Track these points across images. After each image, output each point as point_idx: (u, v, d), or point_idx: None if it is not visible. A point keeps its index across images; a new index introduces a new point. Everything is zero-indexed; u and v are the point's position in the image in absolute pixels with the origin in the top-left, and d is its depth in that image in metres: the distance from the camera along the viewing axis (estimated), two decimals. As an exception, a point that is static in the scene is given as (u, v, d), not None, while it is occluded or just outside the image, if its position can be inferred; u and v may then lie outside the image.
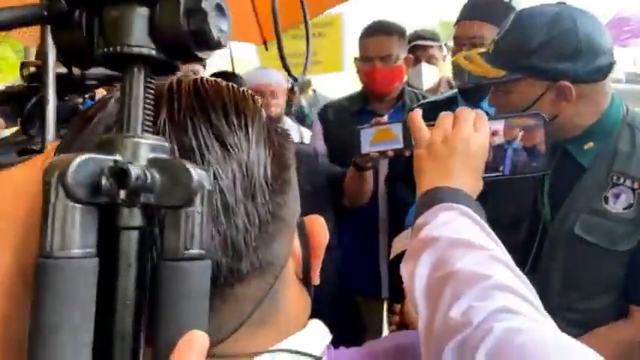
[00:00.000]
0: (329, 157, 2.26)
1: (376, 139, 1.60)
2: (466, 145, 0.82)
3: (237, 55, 3.55)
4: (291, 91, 3.74)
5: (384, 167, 2.24)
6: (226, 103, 0.42)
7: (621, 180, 1.25)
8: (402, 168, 1.73)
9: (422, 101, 2.23)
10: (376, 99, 2.30)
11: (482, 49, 1.38)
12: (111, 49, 0.33)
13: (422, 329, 0.56)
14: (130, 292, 0.32)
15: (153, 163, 0.33)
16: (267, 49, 3.20)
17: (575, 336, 1.44)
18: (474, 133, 0.83)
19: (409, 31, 2.59)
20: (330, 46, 3.91)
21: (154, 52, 0.33)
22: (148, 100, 0.34)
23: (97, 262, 0.31)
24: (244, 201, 0.40)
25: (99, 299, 0.32)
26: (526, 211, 1.40)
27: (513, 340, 0.46)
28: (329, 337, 0.51)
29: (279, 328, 0.47)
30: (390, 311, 2.24)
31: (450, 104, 2.01)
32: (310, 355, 0.46)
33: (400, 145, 1.58)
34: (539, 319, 0.52)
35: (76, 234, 0.30)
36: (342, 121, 2.31)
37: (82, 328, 0.30)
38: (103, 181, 0.30)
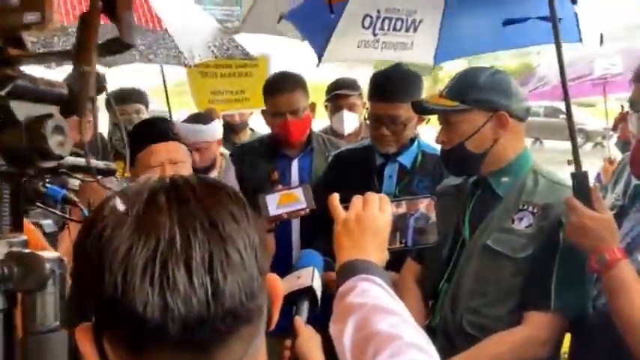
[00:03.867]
0: None
1: (281, 203, 1.86)
2: (374, 223, 1.00)
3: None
4: (233, 131, 3.87)
5: None
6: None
7: (525, 207, 1.60)
8: None
9: (342, 148, 2.45)
10: (288, 144, 2.44)
11: (440, 90, 1.75)
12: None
13: None
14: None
15: (10, 256, 0.41)
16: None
17: (477, 339, 1.65)
18: (380, 213, 1.02)
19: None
20: (256, 85, 4.07)
21: (4, 168, 0.42)
22: (5, 206, 0.42)
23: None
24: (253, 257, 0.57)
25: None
26: (450, 233, 1.71)
27: None
28: None
29: None
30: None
31: (367, 151, 2.27)
32: None
33: (303, 205, 1.89)
34: None
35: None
36: (255, 163, 2.46)
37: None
38: (-36, 278, 0.38)
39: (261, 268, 0.59)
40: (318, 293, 1.14)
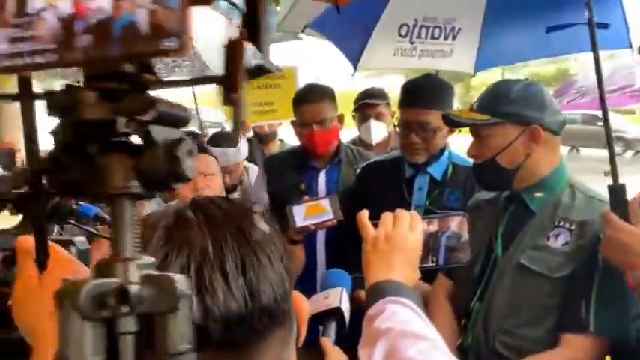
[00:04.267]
0: (270, 207, 2.35)
1: (308, 214, 1.88)
2: (404, 242, 0.98)
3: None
4: (262, 142, 3.89)
5: None
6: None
7: (562, 223, 1.55)
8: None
9: (371, 160, 2.43)
10: (316, 156, 2.44)
11: (472, 103, 1.69)
12: (103, 189, 0.42)
13: None
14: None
15: (145, 278, 0.41)
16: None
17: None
18: (410, 232, 1.00)
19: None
20: (284, 96, 4.08)
21: (137, 190, 0.42)
22: (135, 226, 0.43)
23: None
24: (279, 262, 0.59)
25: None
26: (482, 249, 1.66)
27: None
28: None
29: None
30: None
31: (396, 162, 2.24)
32: None
33: (331, 217, 1.90)
34: None
35: (88, 345, 0.38)
36: (284, 173, 2.46)
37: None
38: (109, 301, 0.39)
39: (289, 272, 0.61)
40: (346, 314, 1.14)
